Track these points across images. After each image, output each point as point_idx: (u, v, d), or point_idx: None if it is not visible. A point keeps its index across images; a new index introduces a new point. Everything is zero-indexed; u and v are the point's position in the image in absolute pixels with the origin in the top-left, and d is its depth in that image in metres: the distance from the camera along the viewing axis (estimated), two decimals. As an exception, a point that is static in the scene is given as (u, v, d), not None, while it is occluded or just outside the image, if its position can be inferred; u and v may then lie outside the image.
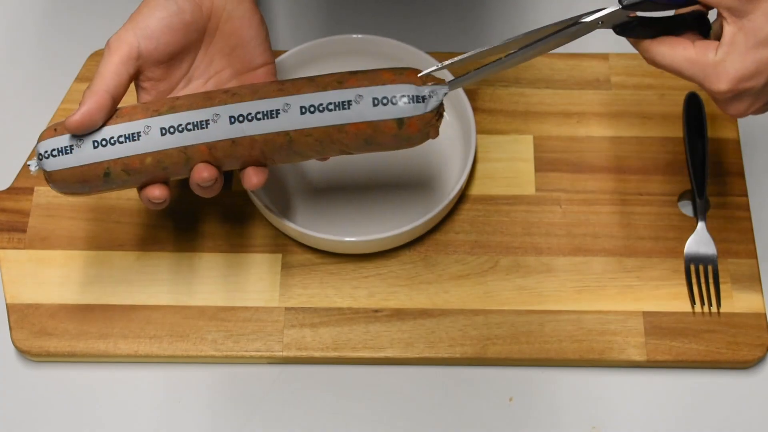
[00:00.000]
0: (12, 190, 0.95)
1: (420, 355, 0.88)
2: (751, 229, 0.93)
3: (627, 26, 0.75)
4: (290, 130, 0.77)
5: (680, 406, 0.87)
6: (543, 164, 0.96)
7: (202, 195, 0.80)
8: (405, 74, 0.77)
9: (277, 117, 0.77)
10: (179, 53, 0.80)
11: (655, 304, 0.90)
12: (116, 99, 0.78)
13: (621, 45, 0.81)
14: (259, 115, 0.77)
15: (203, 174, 0.78)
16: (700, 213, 0.93)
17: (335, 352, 0.88)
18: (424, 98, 0.76)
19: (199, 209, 0.93)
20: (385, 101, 0.76)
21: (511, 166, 0.96)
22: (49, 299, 0.90)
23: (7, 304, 0.89)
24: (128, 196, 0.94)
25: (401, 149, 0.79)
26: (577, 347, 0.88)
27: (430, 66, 0.80)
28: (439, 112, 0.77)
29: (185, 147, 0.77)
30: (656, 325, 0.89)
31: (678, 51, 0.74)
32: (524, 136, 0.97)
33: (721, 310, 0.89)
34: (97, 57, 1.00)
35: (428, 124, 0.77)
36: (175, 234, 0.93)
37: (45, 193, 0.94)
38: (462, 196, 0.94)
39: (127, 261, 0.91)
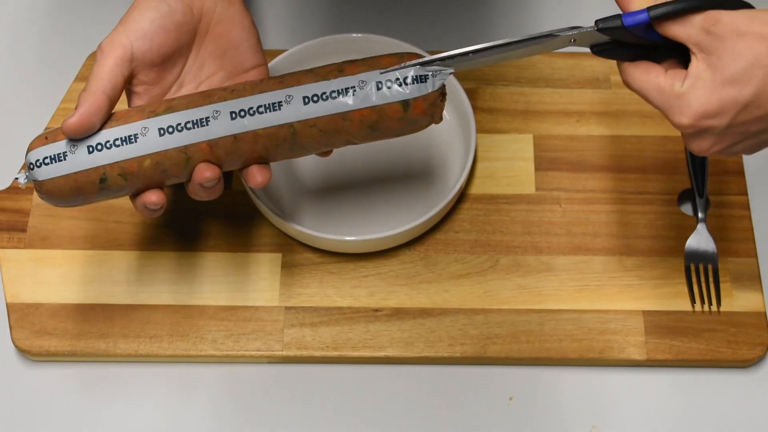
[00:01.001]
0: (12, 190, 0.95)
1: (420, 354, 0.88)
2: (751, 228, 0.93)
3: (604, 47, 0.73)
4: (294, 122, 0.76)
5: (680, 405, 0.87)
6: (543, 163, 0.96)
7: (203, 197, 0.79)
8: (405, 58, 0.76)
9: (279, 109, 0.76)
10: (172, 55, 0.79)
11: (655, 303, 0.90)
12: (113, 101, 0.76)
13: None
14: (261, 109, 0.76)
15: (206, 174, 0.76)
16: (700, 212, 0.92)
17: (335, 351, 0.88)
18: (426, 78, 0.75)
19: (198, 209, 0.93)
20: (389, 84, 0.75)
21: (511, 165, 0.96)
22: (49, 299, 0.90)
23: (7, 304, 0.89)
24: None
25: (406, 135, 0.78)
26: (577, 346, 0.88)
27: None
28: (442, 93, 0.76)
29: (185, 146, 0.76)
30: (656, 324, 0.89)
31: (650, 77, 0.72)
32: (524, 135, 0.97)
33: (721, 309, 0.89)
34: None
35: (433, 105, 0.76)
36: (175, 233, 0.93)
37: (45, 193, 0.94)
38: (462, 195, 0.94)
39: (127, 261, 0.91)
